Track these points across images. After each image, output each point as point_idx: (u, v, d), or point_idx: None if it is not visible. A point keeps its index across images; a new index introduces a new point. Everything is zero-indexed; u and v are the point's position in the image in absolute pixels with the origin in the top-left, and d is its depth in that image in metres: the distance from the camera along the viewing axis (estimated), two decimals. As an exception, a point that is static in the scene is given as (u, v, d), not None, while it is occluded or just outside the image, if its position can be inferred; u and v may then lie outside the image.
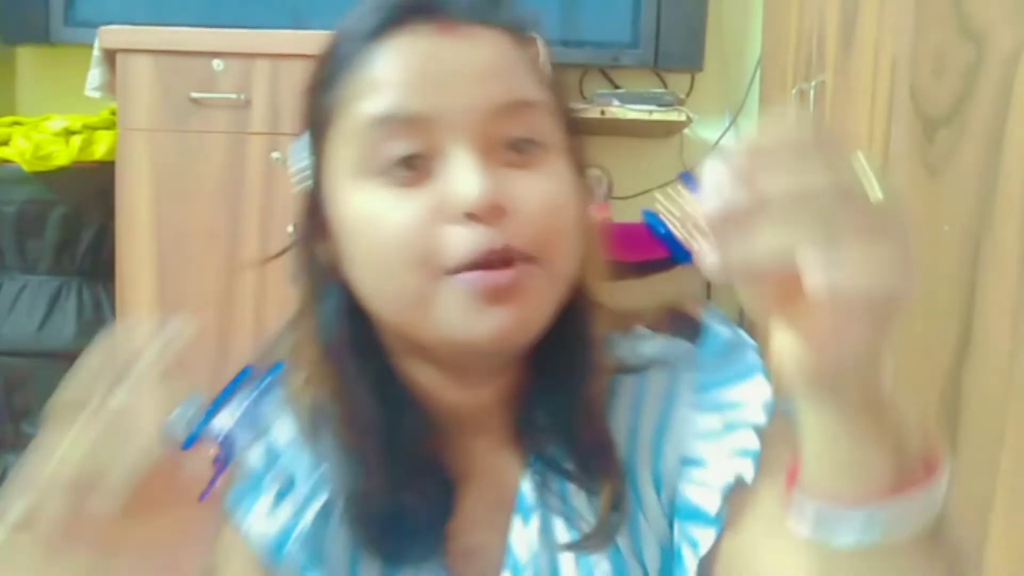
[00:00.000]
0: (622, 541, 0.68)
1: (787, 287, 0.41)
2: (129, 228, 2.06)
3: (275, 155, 2.06)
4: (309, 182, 0.67)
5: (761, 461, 0.64)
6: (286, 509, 0.66)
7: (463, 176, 0.58)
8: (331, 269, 0.66)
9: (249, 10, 2.43)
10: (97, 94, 2.14)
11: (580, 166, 0.67)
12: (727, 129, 2.64)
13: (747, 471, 0.64)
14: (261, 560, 0.65)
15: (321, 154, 0.64)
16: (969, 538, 1.43)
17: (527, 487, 0.69)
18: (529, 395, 0.68)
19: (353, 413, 0.65)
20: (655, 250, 2.30)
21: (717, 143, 2.64)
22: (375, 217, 0.60)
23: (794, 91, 2.05)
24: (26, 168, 2.11)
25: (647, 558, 0.67)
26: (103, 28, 2.07)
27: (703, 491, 0.66)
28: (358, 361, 0.66)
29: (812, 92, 1.90)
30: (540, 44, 0.67)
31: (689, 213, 0.42)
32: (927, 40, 1.40)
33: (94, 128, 2.16)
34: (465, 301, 0.59)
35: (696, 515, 0.66)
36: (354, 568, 0.67)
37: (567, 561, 0.67)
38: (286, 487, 0.67)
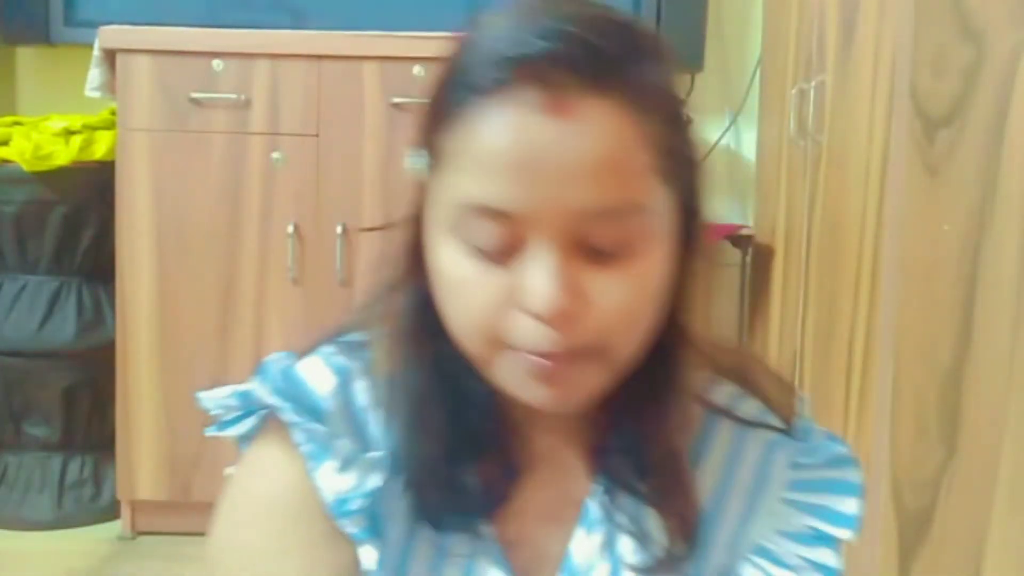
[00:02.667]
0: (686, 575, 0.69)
1: None
2: (129, 228, 2.06)
3: (275, 155, 2.06)
4: (419, 185, 0.67)
5: None
6: (355, 471, 0.66)
7: (539, 279, 0.58)
8: (423, 264, 0.66)
9: (249, 10, 2.43)
10: (97, 94, 2.14)
11: (694, 218, 0.65)
12: (727, 129, 2.64)
13: None
14: (325, 511, 0.66)
15: (431, 180, 0.64)
16: (969, 538, 1.43)
17: (594, 498, 0.69)
18: (609, 413, 0.69)
19: (420, 389, 0.67)
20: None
21: (717, 143, 2.65)
22: (457, 284, 0.61)
23: (794, 91, 2.05)
24: (26, 168, 2.11)
25: None
26: (103, 28, 2.07)
27: None
28: (434, 346, 0.66)
29: (812, 92, 1.90)
30: (670, 108, 0.63)
31: None
32: (927, 40, 1.40)
33: (94, 128, 2.17)
34: (520, 375, 0.61)
35: None
36: (409, 543, 0.68)
37: None
38: (357, 449, 0.67)
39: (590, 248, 0.59)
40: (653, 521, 0.68)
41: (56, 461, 2.23)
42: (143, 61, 2.05)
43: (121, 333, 2.08)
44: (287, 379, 0.67)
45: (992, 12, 1.37)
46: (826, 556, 0.69)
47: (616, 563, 0.68)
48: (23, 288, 2.21)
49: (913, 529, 1.45)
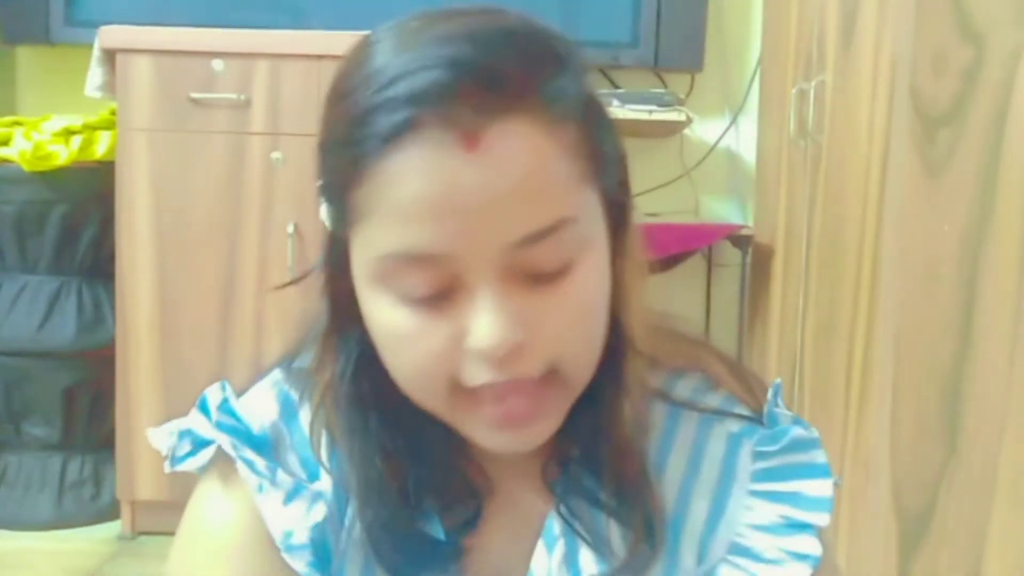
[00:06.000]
0: None
1: None
2: (129, 227, 2.06)
3: (275, 155, 2.06)
4: (327, 245, 0.64)
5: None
6: (299, 502, 0.65)
7: (483, 319, 0.56)
8: (355, 320, 0.63)
9: (249, 10, 2.43)
10: (97, 94, 2.14)
11: (622, 211, 0.64)
12: (727, 129, 2.64)
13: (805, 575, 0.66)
14: (275, 543, 0.65)
15: (345, 238, 0.61)
16: (969, 538, 1.43)
17: (554, 514, 0.68)
18: (561, 424, 0.67)
19: (366, 454, 0.65)
20: (654, 250, 2.30)
21: (717, 143, 2.65)
22: (398, 338, 0.59)
23: (794, 91, 2.05)
24: (26, 168, 2.11)
25: None
26: (103, 28, 2.07)
27: None
28: (376, 405, 0.65)
29: (812, 92, 1.90)
30: (584, 110, 0.59)
31: None
32: (927, 40, 1.40)
33: (94, 128, 2.17)
34: (484, 425, 0.60)
35: None
36: (370, 565, 0.66)
37: None
38: (301, 480, 0.66)
39: (527, 274, 0.57)
40: (614, 529, 0.66)
41: (56, 461, 2.23)
42: (143, 61, 2.05)
43: (121, 333, 2.08)
44: (225, 411, 0.66)
45: (992, 12, 1.37)
46: (805, 544, 0.66)
47: (577, 574, 0.66)
48: (23, 288, 2.20)
49: (913, 529, 1.45)
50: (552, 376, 0.59)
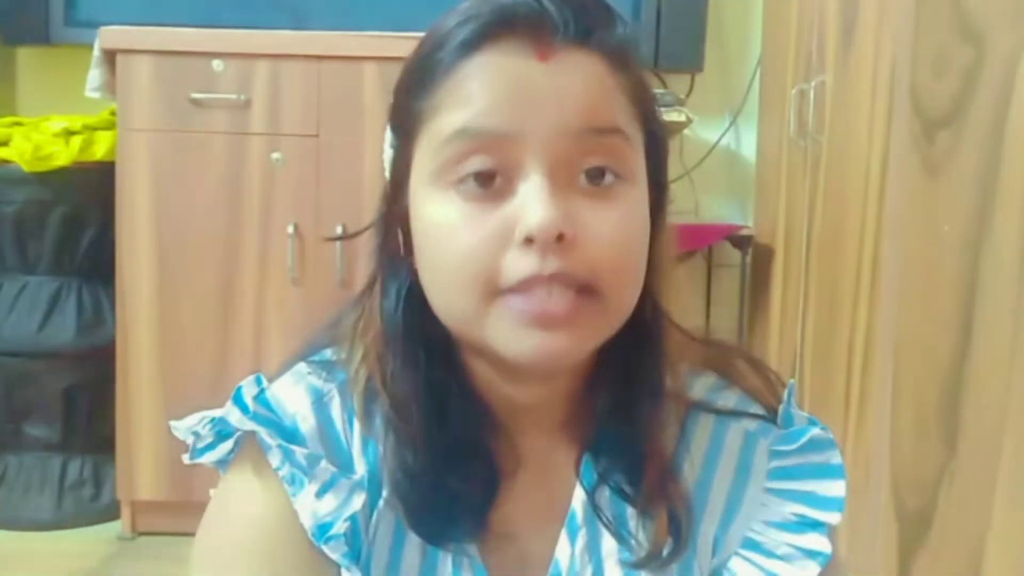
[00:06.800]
0: (673, 572, 0.69)
1: None
2: (129, 228, 2.06)
3: (275, 155, 2.06)
4: (390, 172, 0.68)
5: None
6: (335, 494, 0.65)
7: (532, 201, 0.58)
8: (402, 255, 0.66)
9: (249, 10, 2.43)
10: (97, 94, 2.14)
11: (662, 193, 0.67)
12: (727, 129, 2.64)
13: (813, 573, 0.67)
14: (307, 535, 0.65)
15: (408, 154, 0.65)
16: (969, 538, 1.43)
17: (579, 499, 0.69)
18: (589, 410, 0.69)
19: (405, 395, 0.66)
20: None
21: (717, 143, 2.65)
22: (446, 231, 0.61)
23: (794, 91, 2.05)
24: (26, 168, 2.11)
25: None
26: (103, 28, 2.07)
27: None
28: (415, 344, 0.66)
29: (812, 92, 1.90)
30: (640, 72, 0.65)
31: None
32: (927, 40, 1.40)
33: (94, 128, 2.17)
34: (513, 322, 0.60)
35: None
36: (397, 552, 0.68)
37: None
38: (337, 471, 0.66)
39: (580, 177, 0.60)
40: (637, 521, 0.68)
41: (56, 461, 2.23)
42: (143, 61, 2.05)
43: (121, 333, 2.08)
44: (261, 403, 0.67)
45: (992, 12, 1.37)
46: (816, 542, 0.68)
47: (599, 562, 0.68)
48: (23, 288, 2.20)
49: (913, 529, 1.45)
50: (591, 293, 0.60)
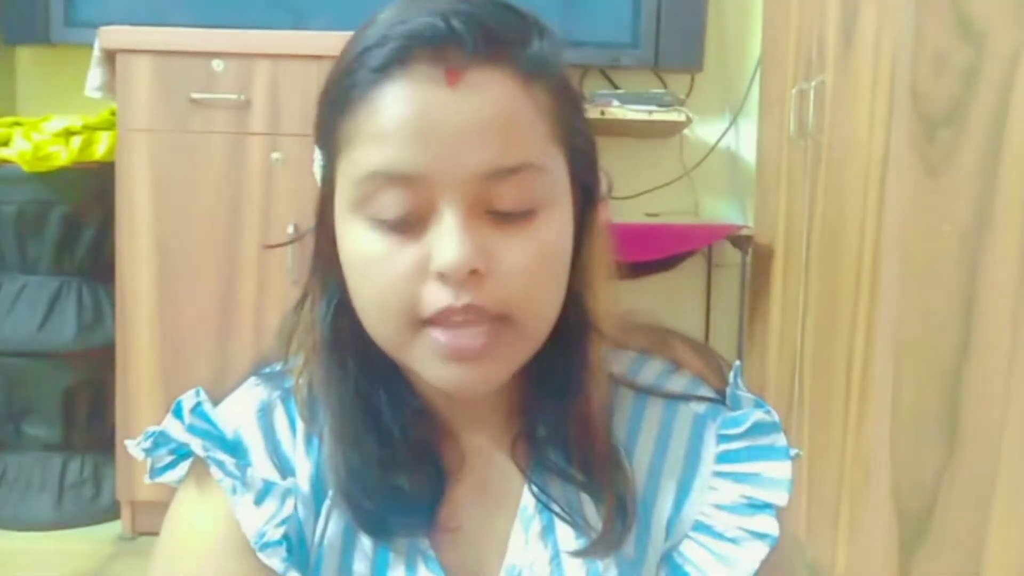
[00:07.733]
0: (629, 554, 0.70)
1: None
2: (129, 228, 2.06)
3: (275, 155, 2.06)
4: (320, 186, 0.69)
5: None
6: (270, 501, 0.67)
7: (444, 237, 0.60)
8: (332, 268, 0.68)
9: (249, 10, 2.43)
10: (97, 94, 2.14)
11: (590, 192, 0.68)
12: (727, 129, 2.64)
13: (762, 554, 0.69)
14: (250, 545, 0.66)
15: (332, 174, 0.66)
16: (969, 538, 1.43)
17: (528, 491, 0.70)
18: (528, 403, 0.70)
19: (340, 399, 0.68)
20: (654, 251, 2.30)
21: (717, 143, 2.65)
22: (367, 263, 0.62)
23: (794, 91, 2.05)
24: (26, 168, 2.11)
25: None
26: (103, 28, 2.07)
27: (713, 561, 0.70)
28: (348, 352, 0.68)
29: (812, 92, 1.90)
30: (560, 79, 0.65)
31: None
32: (927, 40, 1.40)
33: (94, 128, 2.16)
34: (434, 354, 0.62)
35: None
36: (348, 554, 0.68)
37: (574, 567, 0.69)
38: (273, 479, 0.68)
39: (493, 213, 0.61)
40: (588, 505, 0.69)
41: (56, 461, 2.23)
42: (143, 61, 2.05)
43: (121, 333, 2.08)
44: (198, 415, 0.68)
45: (992, 12, 1.37)
46: (764, 523, 0.69)
47: (555, 550, 0.69)
48: (23, 288, 2.20)
49: (913, 529, 1.45)
50: (506, 322, 0.62)
